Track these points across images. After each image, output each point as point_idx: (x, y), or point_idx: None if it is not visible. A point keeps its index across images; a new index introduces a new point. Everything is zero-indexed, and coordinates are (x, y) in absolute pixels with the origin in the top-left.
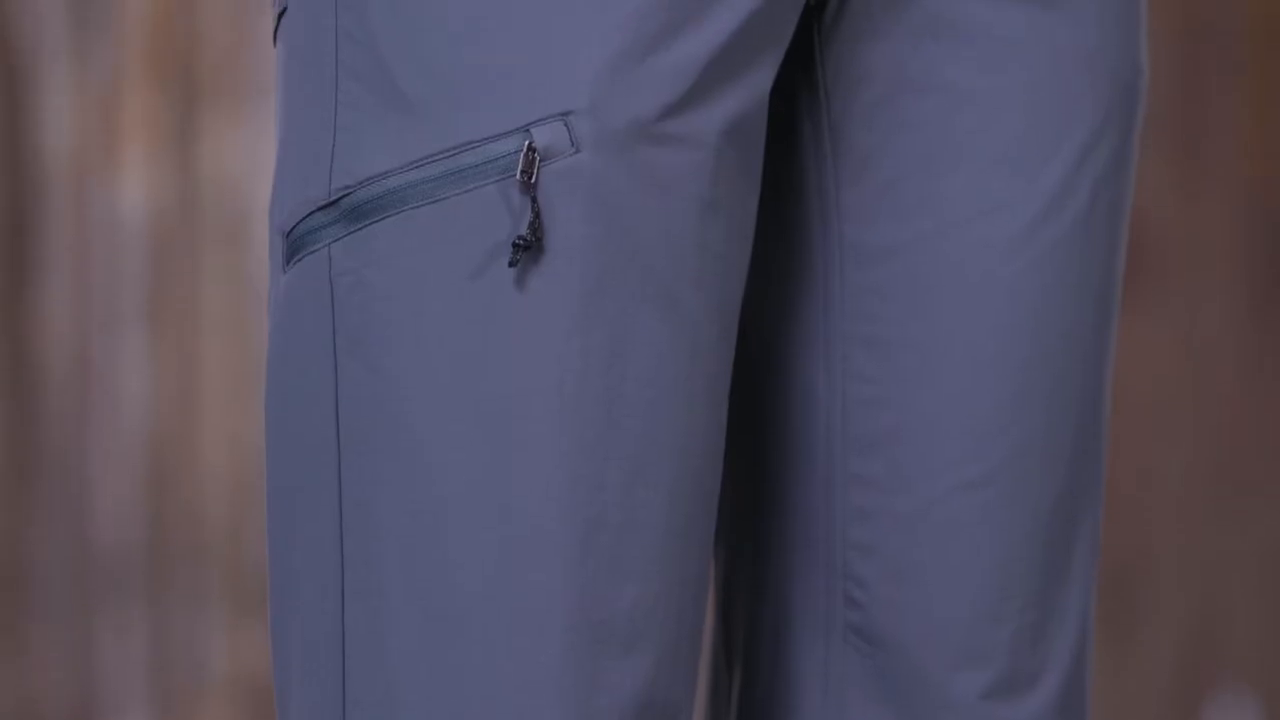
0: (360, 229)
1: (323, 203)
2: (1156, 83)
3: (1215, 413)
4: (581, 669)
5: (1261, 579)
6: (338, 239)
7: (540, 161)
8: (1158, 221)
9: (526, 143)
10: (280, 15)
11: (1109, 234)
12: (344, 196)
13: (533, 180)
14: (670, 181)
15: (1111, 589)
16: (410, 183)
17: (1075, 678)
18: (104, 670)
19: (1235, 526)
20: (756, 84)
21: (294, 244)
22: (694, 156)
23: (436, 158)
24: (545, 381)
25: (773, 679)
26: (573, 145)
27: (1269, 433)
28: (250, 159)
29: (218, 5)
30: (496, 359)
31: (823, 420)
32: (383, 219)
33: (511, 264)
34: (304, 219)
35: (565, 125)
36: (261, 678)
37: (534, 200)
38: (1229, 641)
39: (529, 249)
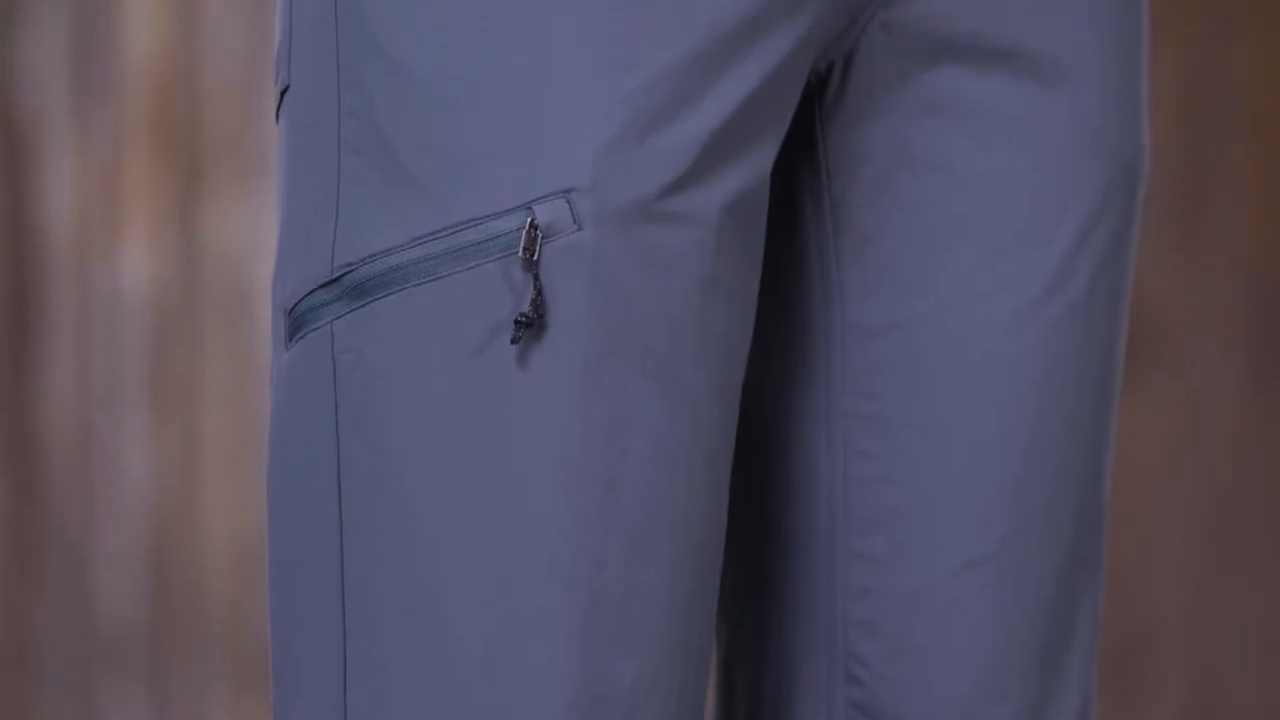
0: (362, 306)
1: (325, 280)
2: (1156, 153)
3: (1216, 483)
4: None
5: (1262, 650)
6: (340, 316)
7: (542, 239)
8: (1158, 291)
9: (529, 220)
10: (283, 92)
11: (1110, 311)
12: (346, 274)
13: (535, 258)
14: (672, 259)
15: (1112, 662)
16: (412, 260)
17: None
18: None
19: (1236, 598)
20: (758, 162)
21: (296, 321)
22: (695, 234)
23: (439, 235)
24: (547, 458)
25: None
26: (575, 223)
27: (1270, 504)
28: (252, 235)
29: (220, 81)
30: (498, 436)
31: (824, 498)
32: (385, 296)
33: (513, 341)
34: (306, 296)
35: (567, 203)
36: None
37: (536, 278)
38: (1231, 713)
39: (531, 326)
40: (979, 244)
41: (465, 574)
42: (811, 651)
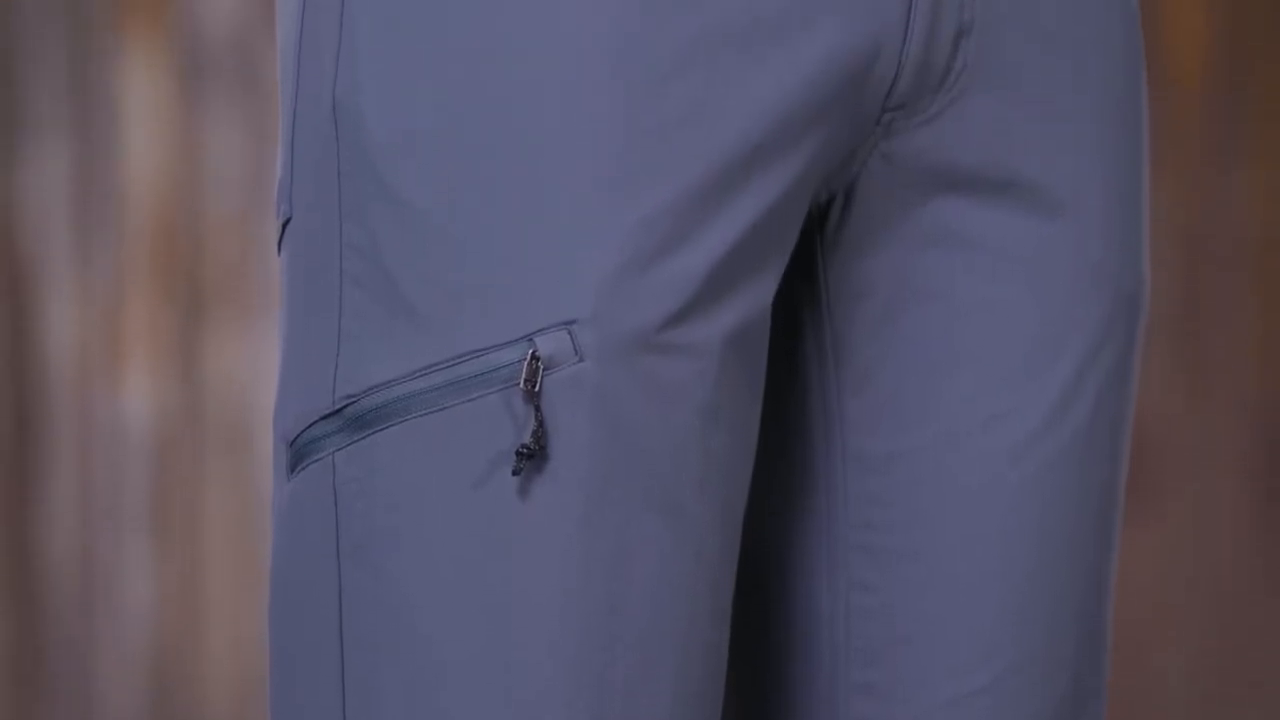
0: (364, 438)
1: (327, 411)
2: (1158, 283)
3: (1218, 616)
4: None
5: None
6: (341, 447)
7: (544, 370)
8: (1160, 422)
9: (530, 351)
10: (285, 224)
11: (1111, 443)
12: (348, 405)
13: (536, 389)
14: (673, 390)
15: None
16: (414, 392)
17: None
18: None
19: None
20: (759, 294)
21: (298, 452)
22: (697, 366)
23: (440, 366)
24: (549, 588)
25: None
26: (576, 354)
27: (1272, 636)
28: (254, 366)
29: (221, 214)
30: (500, 565)
31: (825, 628)
32: (386, 428)
33: (515, 472)
34: (308, 427)
35: (569, 334)
36: None
37: (538, 409)
38: None
39: (533, 457)
40: (979, 375)
41: (467, 700)
42: None
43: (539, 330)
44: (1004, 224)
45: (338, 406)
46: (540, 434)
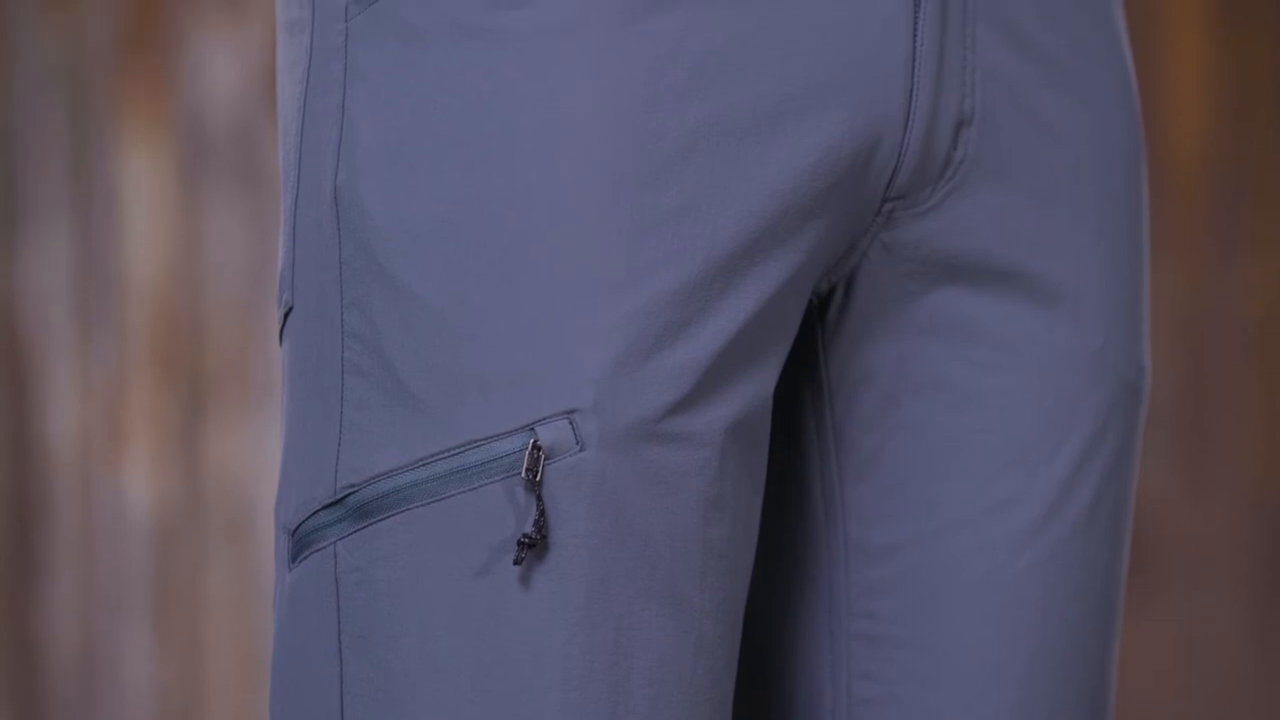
0: (365, 527)
1: (328, 501)
2: (1158, 373)
3: (1217, 703)
4: None
5: None
6: (343, 537)
7: (545, 460)
8: (1161, 517)
9: (531, 441)
10: (286, 314)
11: (1112, 532)
12: (349, 494)
13: (538, 478)
14: (675, 480)
15: None
16: (416, 481)
17: None
18: None
19: None
20: (760, 384)
21: (299, 542)
22: (698, 455)
23: (442, 456)
24: (550, 678)
25: None
26: (577, 443)
27: None
28: (255, 455)
29: (223, 302)
30: (502, 655)
31: (827, 718)
32: (388, 517)
33: (516, 562)
34: (310, 517)
35: (570, 423)
36: None
37: (539, 498)
38: None
39: (534, 547)
40: (980, 465)
41: None
42: None
43: (541, 420)
44: (1004, 314)
45: (339, 496)
46: (542, 523)
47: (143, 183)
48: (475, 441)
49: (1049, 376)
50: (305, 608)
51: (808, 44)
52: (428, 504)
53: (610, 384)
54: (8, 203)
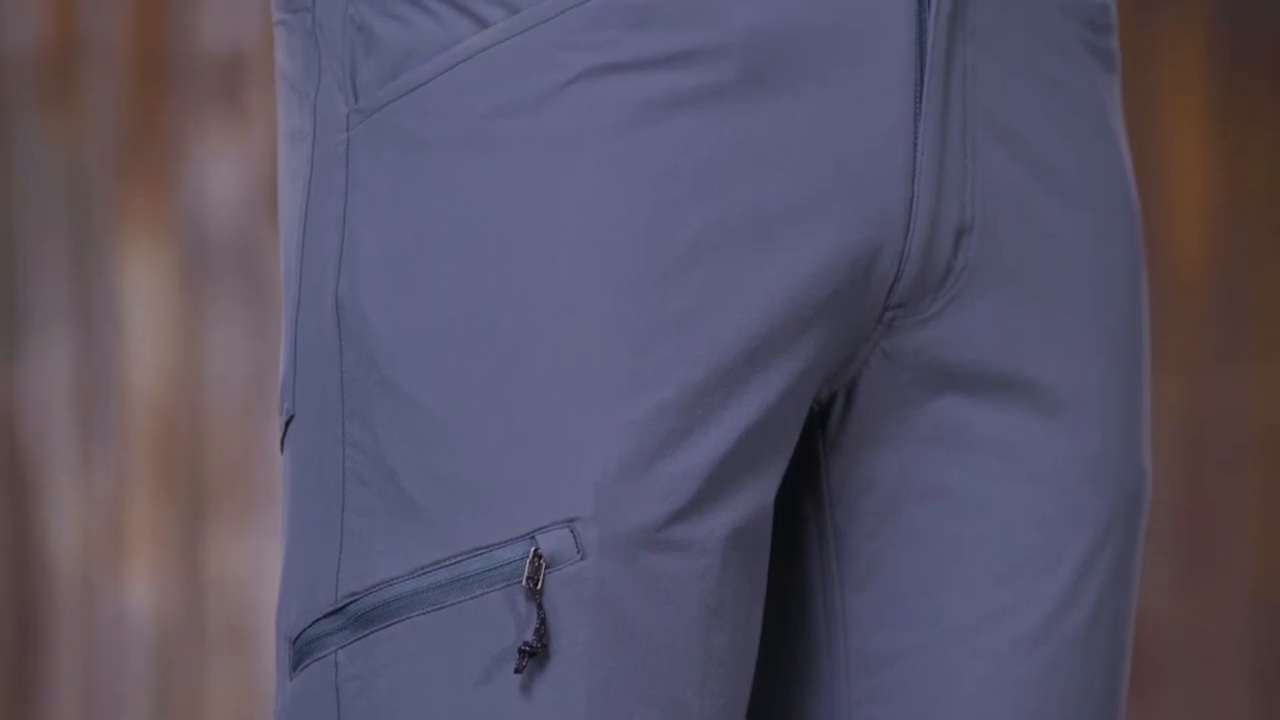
0: (366, 635)
1: (329, 609)
2: (1159, 478)
3: None
4: None
5: None
6: (344, 645)
7: (546, 568)
8: (1160, 619)
9: (532, 549)
10: (288, 423)
11: (1113, 640)
12: (350, 603)
13: (539, 587)
14: (675, 588)
15: None
16: (417, 589)
17: None
18: None
19: None
20: (761, 491)
21: (300, 650)
22: (699, 563)
23: (443, 564)
24: None
25: None
26: (578, 552)
27: None
28: (256, 564)
29: (223, 411)
30: None
31: None
32: (389, 625)
33: (518, 670)
34: (310, 625)
35: (571, 532)
36: None
37: (540, 607)
38: None
39: (535, 655)
40: (981, 573)
41: None
42: None
43: (541, 528)
44: (1005, 422)
45: (340, 604)
46: (543, 632)
47: (144, 291)
48: (476, 550)
49: (1050, 485)
50: (306, 716)
51: (809, 152)
52: (428, 612)
53: (611, 492)
54: (8, 311)
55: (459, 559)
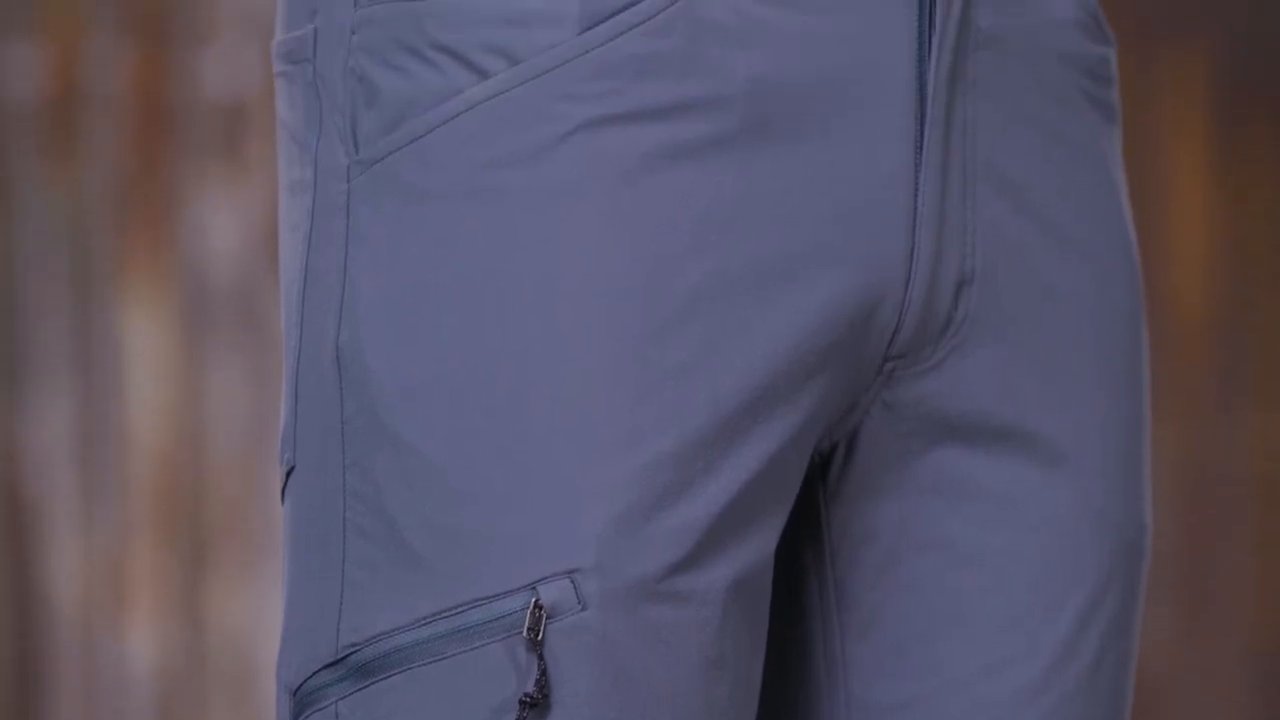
0: (367, 686)
1: (330, 660)
2: (1159, 531)
3: None
4: None
5: None
6: (344, 696)
7: (547, 619)
8: (1159, 665)
9: (533, 600)
10: (288, 473)
11: (1114, 691)
12: (351, 654)
13: (539, 638)
14: (676, 639)
15: None
16: (417, 640)
17: None
18: None
19: None
20: (761, 542)
21: (301, 701)
22: (699, 614)
23: (443, 615)
24: None
25: None
26: (579, 603)
27: None
28: (257, 614)
29: (224, 460)
30: None
31: None
32: (389, 676)
33: None
34: (311, 676)
35: (571, 582)
36: None
37: (540, 657)
38: None
39: (536, 706)
40: (982, 623)
41: None
42: None
43: (542, 579)
44: (1005, 473)
45: (341, 655)
46: (543, 683)
47: (144, 340)
48: (477, 600)
49: (1051, 535)
50: None
51: (808, 203)
52: (429, 663)
53: (612, 543)
54: (10, 360)
55: (460, 610)
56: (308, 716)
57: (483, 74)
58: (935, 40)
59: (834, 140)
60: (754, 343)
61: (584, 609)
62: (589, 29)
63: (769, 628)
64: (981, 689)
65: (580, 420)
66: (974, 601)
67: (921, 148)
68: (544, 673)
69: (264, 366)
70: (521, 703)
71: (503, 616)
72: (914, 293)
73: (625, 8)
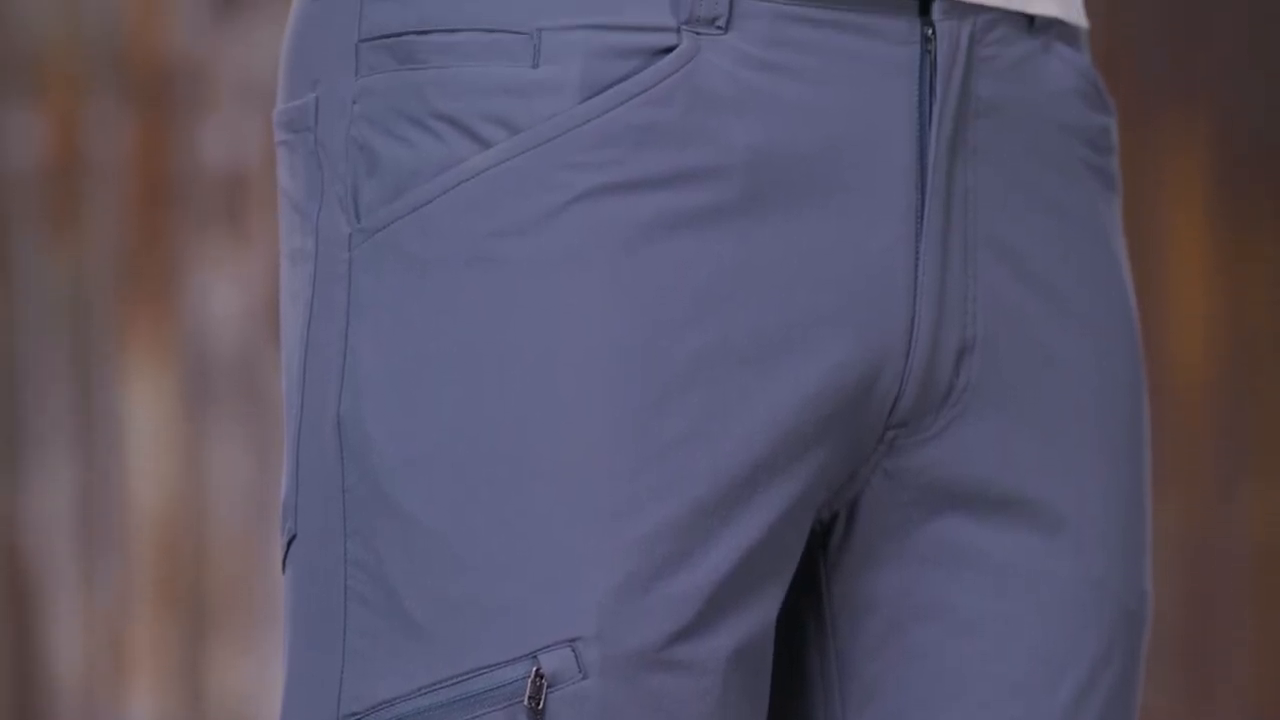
0: None
1: None
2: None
3: None
4: None
5: None
6: None
7: (548, 688)
8: None
9: (534, 669)
10: (290, 542)
11: None
12: None
13: (540, 706)
14: (677, 707)
15: None
16: (418, 709)
17: None
18: None
19: None
20: (762, 611)
21: None
22: (700, 682)
23: (445, 684)
24: None
25: None
26: (580, 671)
27: None
28: (258, 683)
29: (225, 532)
30: None
31: None
32: None
33: None
34: None
35: (572, 651)
36: None
37: None
38: None
39: None
40: (984, 693)
41: None
42: None
43: (543, 648)
44: (1006, 541)
45: None
46: None
47: (146, 411)
48: (478, 669)
49: (1052, 604)
50: None
51: (809, 272)
52: None
53: (613, 612)
54: (10, 430)
55: (461, 679)
56: None
57: (484, 143)
58: (936, 109)
59: (835, 210)
60: (754, 412)
61: (585, 678)
62: (589, 98)
63: (770, 697)
64: None
65: (580, 489)
66: (975, 670)
67: (922, 217)
68: None
69: (265, 436)
70: None
71: (504, 685)
72: (915, 361)
73: (625, 77)
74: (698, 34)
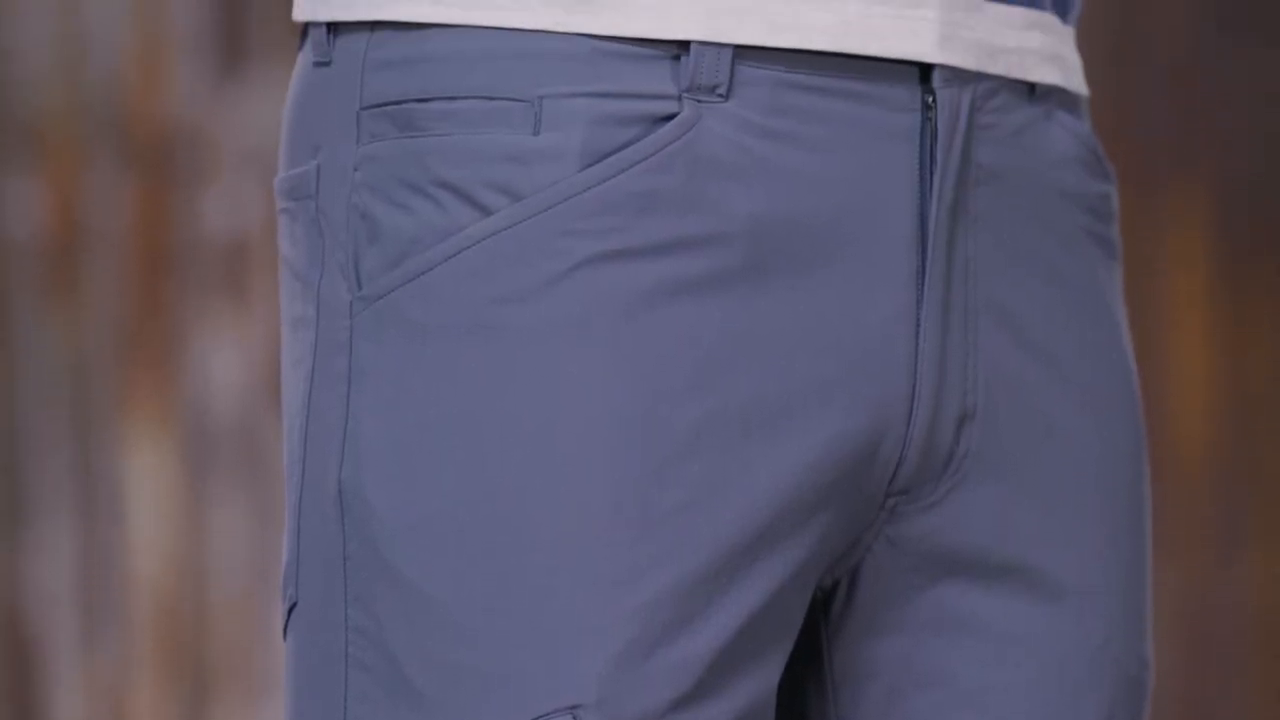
0: None
1: None
2: (1161, 669)
3: None
4: None
5: None
6: None
7: None
8: None
9: None
10: (291, 610)
11: None
12: None
13: None
14: None
15: None
16: None
17: None
18: None
19: None
20: (763, 678)
21: None
22: None
23: None
24: None
25: None
26: None
27: None
28: None
29: (226, 598)
30: None
31: None
32: None
33: None
34: None
35: (574, 719)
36: None
37: None
38: None
39: None
40: None
41: None
42: None
43: (544, 715)
44: (1007, 609)
45: None
46: None
47: (146, 478)
48: None
49: (1052, 672)
50: None
51: (811, 341)
52: None
53: (613, 680)
54: (11, 498)
55: None
56: None
57: (485, 210)
58: (936, 176)
59: (836, 277)
60: (755, 480)
61: None
62: (590, 165)
63: None
64: None
65: (581, 557)
66: None
67: (923, 284)
68: None
69: (266, 503)
70: None
71: None
72: (916, 429)
73: (626, 145)
74: (699, 101)
